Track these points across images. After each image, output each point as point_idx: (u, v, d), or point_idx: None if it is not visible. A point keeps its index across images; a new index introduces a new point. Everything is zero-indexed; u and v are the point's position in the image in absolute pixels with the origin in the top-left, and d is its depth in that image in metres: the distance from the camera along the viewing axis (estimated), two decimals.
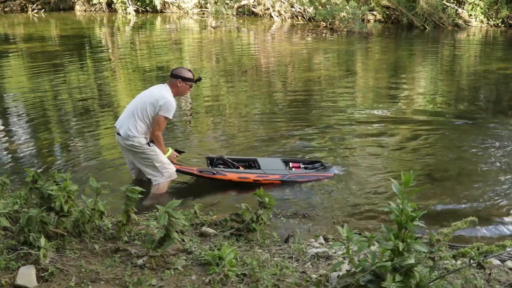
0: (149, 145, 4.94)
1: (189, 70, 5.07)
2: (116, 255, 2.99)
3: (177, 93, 5.01)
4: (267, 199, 3.61)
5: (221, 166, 5.49)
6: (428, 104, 9.17)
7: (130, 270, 2.84)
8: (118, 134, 4.99)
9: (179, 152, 5.33)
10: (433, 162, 6.06)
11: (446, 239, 3.09)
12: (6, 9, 24.45)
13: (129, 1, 23.99)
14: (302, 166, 5.70)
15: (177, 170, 5.20)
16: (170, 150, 5.17)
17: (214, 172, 5.29)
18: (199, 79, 5.12)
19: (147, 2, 24.31)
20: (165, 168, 5.05)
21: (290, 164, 5.67)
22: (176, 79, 4.96)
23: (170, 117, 4.93)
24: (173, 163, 5.19)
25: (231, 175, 5.32)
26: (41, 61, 13.14)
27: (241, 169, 5.47)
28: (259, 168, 5.48)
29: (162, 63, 13.27)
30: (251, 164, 5.61)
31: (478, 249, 2.80)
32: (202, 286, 2.74)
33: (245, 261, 3.02)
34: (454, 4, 19.97)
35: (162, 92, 4.91)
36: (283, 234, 4.02)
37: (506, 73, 12.01)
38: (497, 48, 16.61)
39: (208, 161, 5.53)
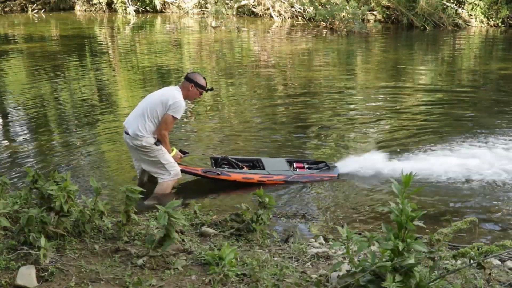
0: (157, 145, 4.95)
1: (204, 78, 5.12)
2: (116, 255, 2.99)
3: (186, 97, 5.05)
4: (267, 199, 3.61)
5: (225, 166, 5.50)
6: (428, 104, 9.16)
7: (130, 270, 2.84)
8: (126, 133, 4.99)
9: (184, 153, 5.34)
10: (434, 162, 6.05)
11: (446, 239, 3.09)
12: (6, 9, 24.45)
13: (129, 1, 23.98)
14: (306, 166, 5.70)
15: (182, 171, 5.21)
16: (175, 150, 5.18)
17: (219, 172, 5.29)
18: (211, 89, 5.18)
19: (147, 2, 24.31)
20: (172, 167, 5.07)
21: (294, 165, 5.68)
22: (189, 83, 5.01)
23: (178, 117, 4.97)
24: (178, 163, 5.19)
25: (236, 175, 5.32)
26: (41, 61, 13.15)
27: (246, 169, 5.48)
28: (263, 168, 5.49)
29: (162, 63, 13.27)
30: (255, 164, 5.62)
31: (478, 249, 2.81)
32: (202, 286, 2.74)
33: (245, 261, 3.02)
34: (454, 4, 19.96)
35: (173, 93, 4.96)
36: (283, 234, 4.02)
37: (506, 73, 12.01)
38: (497, 48, 16.60)
39: (213, 161, 5.54)
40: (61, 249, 2.97)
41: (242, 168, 5.49)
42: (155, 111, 4.88)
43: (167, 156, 5.03)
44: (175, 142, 6.69)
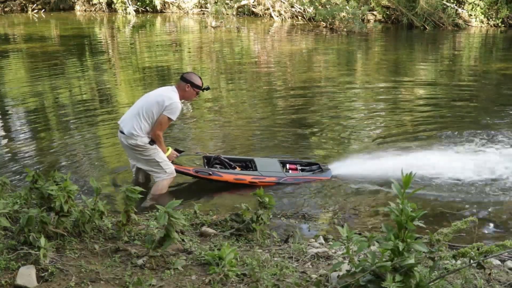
0: (151, 144, 4.95)
1: (200, 77, 5.11)
2: (116, 255, 2.99)
3: (183, 97, 5.04)
4: (267, 199, 3.61)
5: (218, 166, 5.47)
6: (428, 104, 9.15)
7: (130, 270, 2.84)
8: (121, 132, 4.99)
9: (179, 151, 5.34)
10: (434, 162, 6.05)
11: (446, 239, 3.09)
12: (6, 9, 24.45)
13: (129, 1, 23.99)
14: (299, 168, 5.67)
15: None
16: (170, 149, 5.18)
17: (210, 172, 5.27)
18: (207, 88, 5.16)
19: (147, 2, 24.31)
20: (167, 165, 5.07)
21: (287, 166, 5.64)
22: (185, 83, 5.00)
23: (174, 118, 4.96)
24: (172, 163, 5.19)
25: (227, 176, 5.31)
26: (41, 61, 13.14)
27: (238, 169, 5.46)
28: (255, 169, 5.46)
29: (162, 63, 13.27)
30: (248, 165, 5.59)
31: (478, 249, 2.81)
32: (202, 286, 2.74)
33: (245, 261, 3.02)
34: (454, 4, 19.97)
35: (169, 93, 4.94)
36: (283, 234, 4.02)
37: (506, 73, 12.01)
38: (497, 48, 16.60)
39: (205, 161, 5.52)
40: (61, 249, 2.97)
41: (235, 168, 5.47)
42: (150, 111, 4.87)
43: (162, 155, 5.03)
44: (174, 140, 6.70)
